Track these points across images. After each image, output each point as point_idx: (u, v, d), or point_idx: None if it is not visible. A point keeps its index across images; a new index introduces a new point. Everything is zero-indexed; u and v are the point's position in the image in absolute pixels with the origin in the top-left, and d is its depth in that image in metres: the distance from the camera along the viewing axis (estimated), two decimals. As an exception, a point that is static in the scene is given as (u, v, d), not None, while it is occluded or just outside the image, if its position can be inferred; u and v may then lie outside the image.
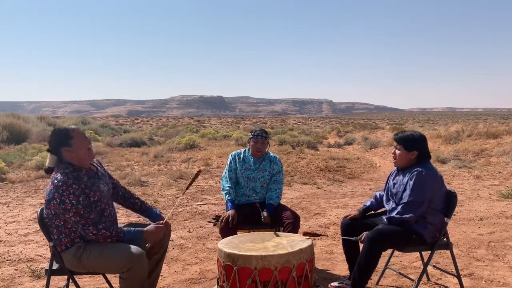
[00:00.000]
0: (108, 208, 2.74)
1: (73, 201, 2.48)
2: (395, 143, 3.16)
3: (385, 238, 2.92)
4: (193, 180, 3.11)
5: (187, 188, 3.15)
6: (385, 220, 3.03)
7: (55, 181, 2.52)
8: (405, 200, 2.96)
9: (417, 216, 2.94)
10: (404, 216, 2.94)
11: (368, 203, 3.39)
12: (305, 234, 2.90)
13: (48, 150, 2.69)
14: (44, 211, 2.64)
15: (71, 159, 2.62)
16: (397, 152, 3.13)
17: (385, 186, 3.30)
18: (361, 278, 2.95)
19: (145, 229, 2.69)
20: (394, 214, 2.99)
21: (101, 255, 2.55)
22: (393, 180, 3.21)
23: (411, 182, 2.96)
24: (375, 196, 3.41)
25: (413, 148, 3.07)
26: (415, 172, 2.98)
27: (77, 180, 2.55)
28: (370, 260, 2.92)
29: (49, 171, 2.67)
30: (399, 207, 2.98)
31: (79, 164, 2.64)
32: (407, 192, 2.96)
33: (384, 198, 3.27)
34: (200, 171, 3.15)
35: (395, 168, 3.28)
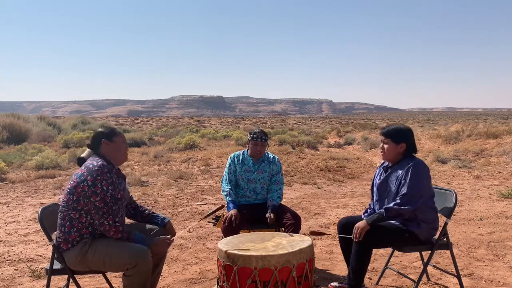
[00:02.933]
0: (121, 211, 2.79)
1: (104, 187, 2.58)
2: (382, 137, 3.14)
3: (375, 237, 2.90)
4: (215, 211, 3.16)
5: (207, 216, 3.21)
6: (382, 211, 2.95)
7: (91, 165, 2.62)
8: (404, 191, 2.92)
9: (415, 209, 2.90)
10: (403, 207, 2.89)
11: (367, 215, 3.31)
12: (312, 233, 3.15)
13: (87, 145, 2.84)
14: (64, 198, 2.67)
15: (107, 152, 2.76)
16: (385, 146, 3.11)
17: (372, 194, 3.27)
18: (355, 277, 2.95)
19: (152, 243, 2.71)
20: (392, 204, 2.93)
21: (107, 252, 2.58)
22: (378, 183, 3.17)
23: (409, 175, 2.93)
24: (369, 206, 3.34)
25: (401, 141, 3.06)
26: (411, 164, 2.96)
27: (110, 172, 2.66)
28: (360, 258, 2.92)
29: (80, 161, 2.79)
30: (398, 198, 2.94)
31: (112, 161, 2.77)
32: (406, 184, 2.93)
33: (373, 203, 3.25)
34: (223, 206, 3.23)
35: (377, 172, 3.26)
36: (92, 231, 2.64)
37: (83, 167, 2.67)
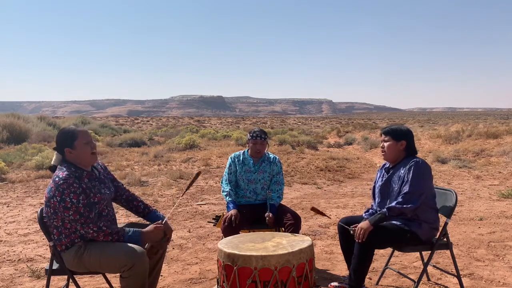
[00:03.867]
0: (106, 209, 2.75)
1: (73, 200, 2.50)
2: (382, 136, 3.17)
3: (377, 238, 2.91)
4: (193, 181, 3.11)
5: (187, 189, 3.15)
6: (385, 210, 2.95)
7: (57, 179, 2.54)
8: (406, 190, 2.93)
9: (417, 207, 2.91)
10: (405, 206, 2.90)
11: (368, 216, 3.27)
12: (313, 209, 3.21)
13: (54, 149, 2.73)
14: (44, 209, 2.65)
15: (72, 160, 2.66)
16: (386, 144, 3.13)
17: (374, 196, 3.27)
18: (356, 277, 2.95)
19: (143, 230, 2.69)
20: (394, 204, 2.94)
21: (102, 254, 2.56)
22: (380, 184, 3.17)
23: (411, 173, 2.95)
24: (372, 206, 3.33)
25: (401, 138, 3.08)
26: (413, 163, 2.97)
27: (78, 180, 2.57)
28: (362, 259, 2.92)
29: (53, 169, 2.70)
30: (400, 197, 2.95)
31: (80, 166, 2.68)
32: (408, 182, 2.93)
33: (376, 205, 3.25)
34: (200, 172, 3.15)
35: (378, 174, 3.26)
36: (81, 235, 2.60)
37: (51, 181, 2.58)
